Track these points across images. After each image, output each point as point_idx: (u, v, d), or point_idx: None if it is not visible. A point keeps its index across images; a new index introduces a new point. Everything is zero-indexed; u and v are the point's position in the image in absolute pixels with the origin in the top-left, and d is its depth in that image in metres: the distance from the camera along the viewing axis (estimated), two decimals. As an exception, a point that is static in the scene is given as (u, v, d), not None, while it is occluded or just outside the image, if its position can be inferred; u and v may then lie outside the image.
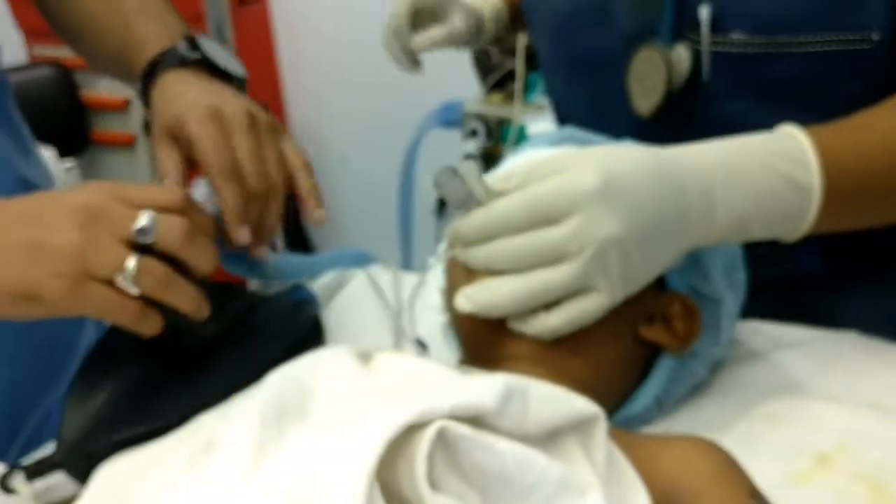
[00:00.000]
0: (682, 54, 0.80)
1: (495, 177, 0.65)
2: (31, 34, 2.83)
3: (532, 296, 0.62)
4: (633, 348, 0.72)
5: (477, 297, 0.64)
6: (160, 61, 0.81)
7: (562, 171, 0.60)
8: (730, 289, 0.74)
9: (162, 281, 0.61)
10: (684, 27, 0.80)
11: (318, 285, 1.09)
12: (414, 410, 0.45)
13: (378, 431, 0.44)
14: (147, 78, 0.82)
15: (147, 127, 2.70)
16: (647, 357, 0.74)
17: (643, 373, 0.74)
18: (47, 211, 0.60)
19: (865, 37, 0.74)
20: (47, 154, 0.99)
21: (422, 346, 0.83)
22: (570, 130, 0.80)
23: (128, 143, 2.70)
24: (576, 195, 0.59)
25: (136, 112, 2.68)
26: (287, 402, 0.55)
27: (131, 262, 0.59)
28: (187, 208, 0.65)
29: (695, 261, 0.72)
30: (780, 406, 0.74)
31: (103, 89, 2.67)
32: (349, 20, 2.75)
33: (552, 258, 0.60)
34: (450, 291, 0.72)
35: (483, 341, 0.70)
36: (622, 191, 0.59)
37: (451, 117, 2.06)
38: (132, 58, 0.84)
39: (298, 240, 3.08)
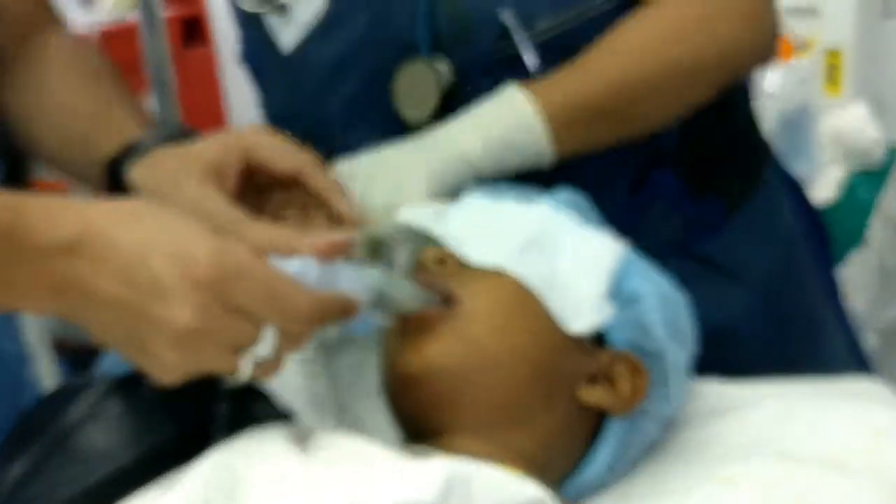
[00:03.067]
0: (441, 65, 0.82)
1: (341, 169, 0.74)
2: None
3: None
4: (575, 414, 0.69)
5: None
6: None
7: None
8: (674, 340, 0.72)
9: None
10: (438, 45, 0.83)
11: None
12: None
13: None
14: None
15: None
16: (594, 421, 0.71)
17: (593, 436, 0.72)
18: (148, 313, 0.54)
19: None
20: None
21: None
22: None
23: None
24: None
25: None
26: (214, 495, 0.51)
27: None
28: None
29: (633, 315, 0.70)
30: (740, 468, 0.72)
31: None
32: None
33: None
34: (385, 363, 0.70)
35: (421, 416, 0.67)
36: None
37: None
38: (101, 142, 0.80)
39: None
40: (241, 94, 3.09)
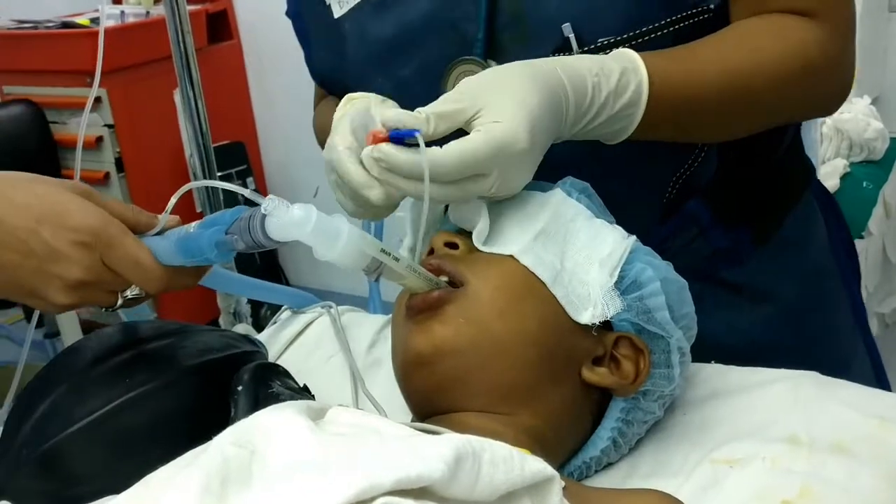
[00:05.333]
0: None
1: (445, 98, 0.66)
2: (3, 73, 2.79)
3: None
4: (580, 393, 0.69)
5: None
6: None
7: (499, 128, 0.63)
8: (676, 323, 0.71)
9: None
10: (492, 50, 0.79)
11: (274, 327, 1.06)
12: (353, 489, 0.41)
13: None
14: None
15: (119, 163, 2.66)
16: (599, 400, 0.70)
17: (598, 415, 0.71)
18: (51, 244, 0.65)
19: (706, 7, 0.77)
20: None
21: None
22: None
23: (100, 181, 2.64)
24: (512, 152, 0.63)
25: (108, 149, 2.63)
26: (231, 470, 0.51)
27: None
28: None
29: (639, 299, 0.69)
30: (743, 449, 0.71)
31: (76, 126, 2.63)
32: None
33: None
34: (396, 344, 0.69)
35: (431, 396, 0.67)
36: (536, 133, 0.64)
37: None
38: None
39: (272, 274, 3.04)
40: (265, 89, 3.10)
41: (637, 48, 0.73)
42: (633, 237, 0.72)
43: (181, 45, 1.62)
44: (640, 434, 0.74)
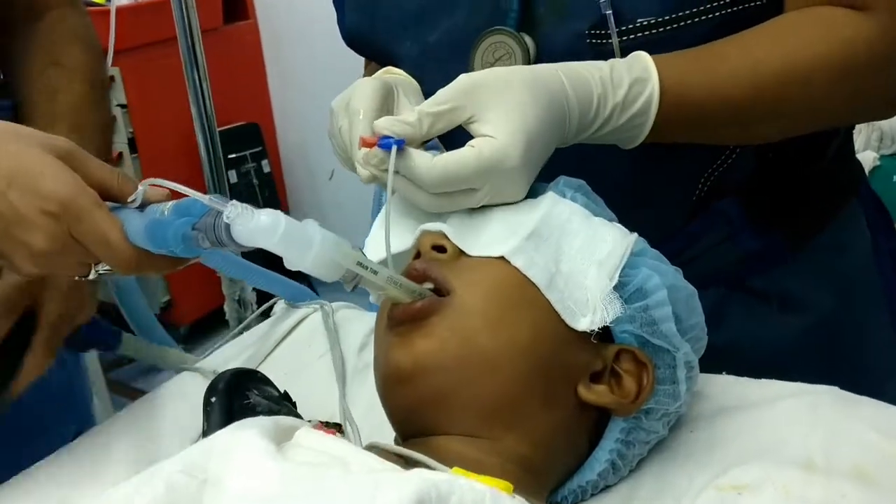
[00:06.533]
0: (529, 41, 0.75)
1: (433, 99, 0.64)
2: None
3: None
4: (576, 413, 0.62)
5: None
6: None
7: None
8: (684, 336, 0.65)
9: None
10: (525, 23, 0.75)
11: (269, 321, 1.01)
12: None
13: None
14: None
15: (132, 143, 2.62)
16: (597, 418, 0.64)
17: (596, 435, 0.65)
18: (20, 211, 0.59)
19: None
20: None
21: None
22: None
23: (114, 161, 2.60)
24: (503, 170, 0.61)
25: (122, 129, 2.59)
26: (175, 502, 0.46)
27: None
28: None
29: (644, 309, 0.63)
30: (754, 473, 0.65)
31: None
32: (338, 36, 2.66)
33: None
34: (377, 356, 0.64)
35: (412, 415, 0.61)
36: (532, 149, 0.62)
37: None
38: None
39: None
40: (282, 69, 3.04)
41: (678, 32, 0.69)
42: (635, 235, 0.66)
43: (186, 26, 1.57)
44: (642, 455, 0.68)
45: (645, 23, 0.71)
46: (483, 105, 0.63)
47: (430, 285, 0.61)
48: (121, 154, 2.62)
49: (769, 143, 0.77)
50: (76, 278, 0.66)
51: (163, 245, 0.60)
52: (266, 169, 2.90)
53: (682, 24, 0.71)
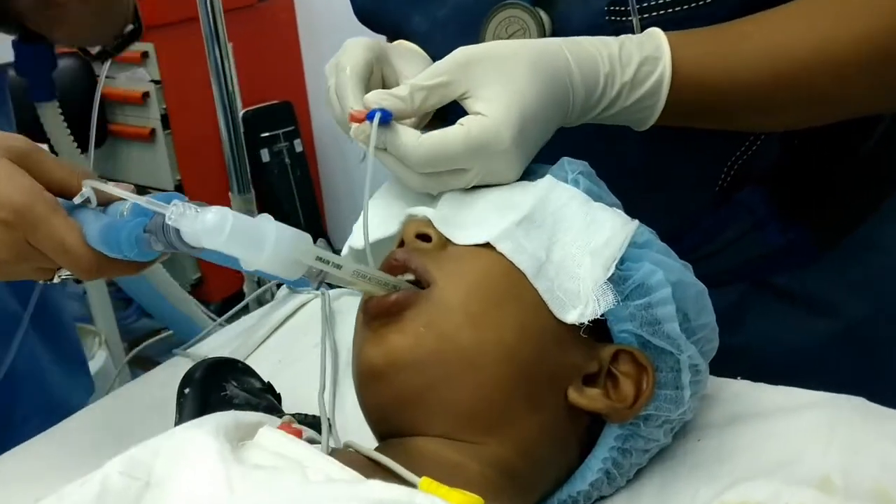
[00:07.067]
0: (545, 16, 0.70)
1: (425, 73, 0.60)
2: (56, 26, 2.76)
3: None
4: (565, 417, 0.57)
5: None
6: None
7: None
8: (692, 337, 0.60)
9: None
10: None
11: (269, 306, 0.98)
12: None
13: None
14: None
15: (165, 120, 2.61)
16: (589, 424, 0.59)
17: (589, 440, 0.60)
18: None
19: None
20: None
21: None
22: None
23: (145, 137, 2.60)
24: (493, 151, 0.58)
25: (155, 105, 2.58)
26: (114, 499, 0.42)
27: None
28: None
29: (645, 307, 0.57)
30: (764, 490, 0.59)
31: (123, 81, 2.58)
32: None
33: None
34: (354, 352, 0.59)
35: (386, 414, 0.57)
36: (526, 130, 0.58)
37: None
38: None
39: (314, 229, 2.96)
40: (317, 50, 3.01)
41: (703, 10, 0.65)
42: (636, 223, 0.60)
43: (208, 3, 1.54)
44: (641, 464, 0.62)
45: (664, 2, 0.65)
46: (478, 80, 0.58)
47: (410, 276, 0.56)
48: (153, 130, 2.61)
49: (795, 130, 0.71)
50: (41, 282, 0.64)
51: (116, 250, 0.57)
52: (298, 148, 2.87)
53: (698, 4, 0.65)
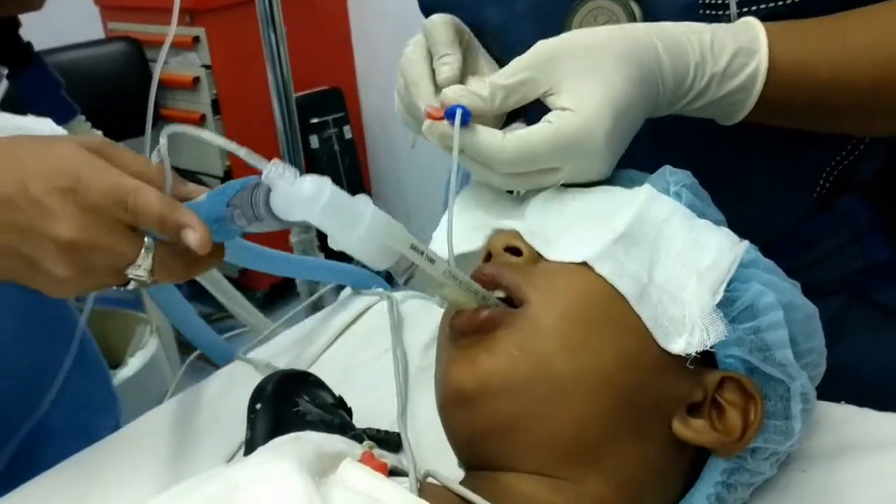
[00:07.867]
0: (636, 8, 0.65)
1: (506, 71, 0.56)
2: (108, 10, 2.75)
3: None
4: (670, 451, 0.52)
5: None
6: None
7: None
8: (801, 362, 0.55)
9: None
10: None
11: (329, 309, 0.94)
12: None
13: None
14: None
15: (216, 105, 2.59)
16: (692, 457, 0.54)
17: (692, 474, 0.55)
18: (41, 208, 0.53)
19: None
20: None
21: None
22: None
23: (196, 122, 2.58)
24: (585, 150, 0.54)
25: (206, 90, 2.56)
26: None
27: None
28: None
29: (754, 331, 0.52)
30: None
31: (175, 66, 2.56)
32: (424, 1, 2.56)
33: None
34: (437, 370, 0.55)
35: (473, 444, 0.52)
36: (619, 125, 0.54)
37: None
38: None
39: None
40: (368, 36, 2.97)
41: (809, 6, 0.60)
42: (746, 243, 0.56)
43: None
44: (744, 499, 0.57)
45: None
46: (563, 74, 0.54)
47: (500, 293, 0.52)
48: (203, 116, 2.60)
49: None
50: (114, 287, 0.59)
51: None
52: (348, 135, 2.83)
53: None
